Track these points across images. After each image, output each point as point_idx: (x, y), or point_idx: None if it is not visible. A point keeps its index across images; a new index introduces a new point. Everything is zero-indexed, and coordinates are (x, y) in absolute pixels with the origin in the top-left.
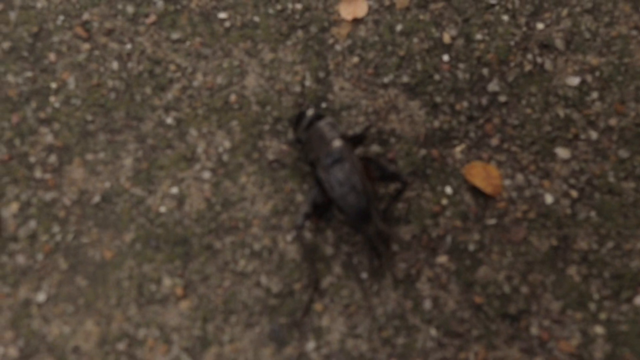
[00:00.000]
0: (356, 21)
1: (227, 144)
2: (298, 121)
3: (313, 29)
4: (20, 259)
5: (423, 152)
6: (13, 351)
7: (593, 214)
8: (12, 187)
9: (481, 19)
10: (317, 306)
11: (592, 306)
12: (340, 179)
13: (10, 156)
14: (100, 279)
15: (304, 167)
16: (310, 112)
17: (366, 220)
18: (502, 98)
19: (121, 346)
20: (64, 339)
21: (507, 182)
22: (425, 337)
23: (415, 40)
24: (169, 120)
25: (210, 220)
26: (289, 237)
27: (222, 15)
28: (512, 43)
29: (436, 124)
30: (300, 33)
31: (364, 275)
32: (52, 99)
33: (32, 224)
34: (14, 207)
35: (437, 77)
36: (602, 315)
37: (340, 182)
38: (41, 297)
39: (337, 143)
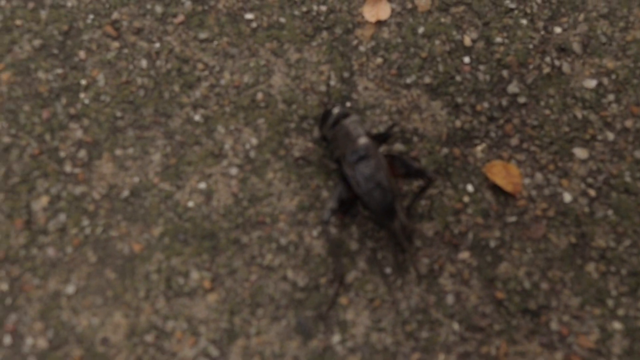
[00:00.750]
0: (379, 23)
1: (254, 141)
2: (324, 119)
3: (338, 30)
4: (50, 252)
5: (445, 150)
6: (42, 342)
7: (610, 212)
8: (42, 180)
9: (501, 22)
10: (343, 300)
11: (610, 302)
12: (366, 175)
13: (41, 151)
14: (129, 272)
15: (329, 164)
16: (336, 110)
17: (391, 216)
18: (522, 99)
19: (149, 338)
20: (93, 331)
21: (527, 180)
22: (448, 331)
23: (437, 42)
24: (197, 118)
25: (237, 215)
26: (315, 233)
27: (249, 15)
28: (530, 46)
29: (458, 123)
30: (325, 34)
31: (388, 270)
32: (82, 95)
33: (62, 217)
34: (44, 200)
35: (458, 78)
36: (620, 312)
37: (366, 179)
38: (70, 289)
39: (363, 140)
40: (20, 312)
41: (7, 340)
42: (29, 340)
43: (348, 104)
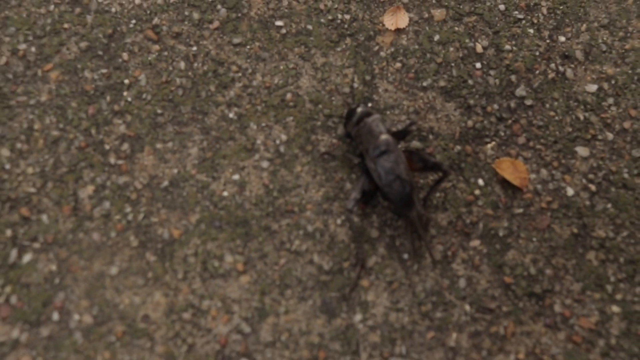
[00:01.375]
0: (398, 31)
1: (283, 137)
2: (349, 117)
3: (360, 37)
4: (95, 236)
5: (458, 148)
6: (88, 318)
7: (609, 205)
8: (88, 171)
9: (509, 31)
10: (364, 282)
11: (609, 288)
12: (386, 168)
13: (87, 144)
14: (168, 255)
15: (352, 158)
16: (360, 109)
17: (409, 206)
18: (528, 102)
19: (187, 315)
20: (134, 308)
21: (533, 176)
22: (460, 312)
23: (451, 49)
24: (231, 115)
25: (268, 204)
26: (339, 221)
27: (279, 23)
28: (537, 53)
29: (470, 123)
30: (348, 40)
31: (406, 255)
32: (125, 93)
33: (106, 204)
34: (90, 189)
35: (470, 82)
36: (618, 296)
37: (387, 172)
38: (114, 270)
39: (384, 137)
40: (67, 290)
41: (55, 316)
42: (75, 317)
43: (369, 105)
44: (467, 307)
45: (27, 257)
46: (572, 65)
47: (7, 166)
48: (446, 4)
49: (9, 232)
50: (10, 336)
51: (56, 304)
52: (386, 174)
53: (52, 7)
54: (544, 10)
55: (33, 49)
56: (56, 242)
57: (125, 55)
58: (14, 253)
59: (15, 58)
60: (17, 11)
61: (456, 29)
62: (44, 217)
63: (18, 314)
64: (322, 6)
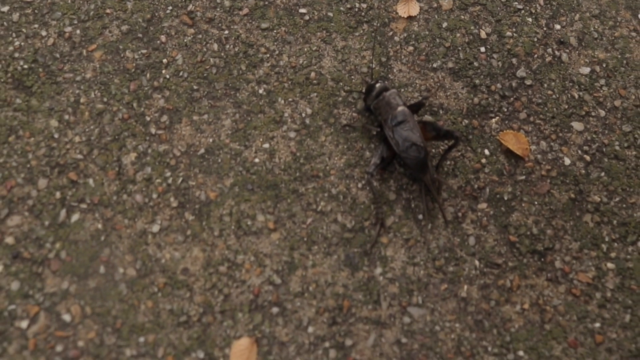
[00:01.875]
0: (410, 18)
1: (308, 111)
2: (368, 92)
3: (376, 24)
4: (138, 197)
5: (465, 122)
6: (131, 271)
7: (603, 174)
8: (131, 139)
9: (510, 20)
10: (383, 239)
11: (604, 247)
12: (403, 136)
13: (129, 115)
14: (205, 215)
15: (372, 128)
16: (379, 85)
17: (424, 169)
18: (528, 82)
19: (223, 269)
20: (175, 263)
21: (534, 147)
22: (470, 266)
23: (458, 35)
24: (261, 91)
25: (295, 170)
26: (360, 185)
27: (303, 10)
28: (535, 39)
29: (476, 100)
30: (365, 26)
31: (420, 216)
32: (163, 71)
33: (148, 169)
34: (133, 156)
35: (476, 64)
36: (613, 254)
37: (404, 139)
38: (155, 228)
39: (401, 108)
40: (112, 247)
41: (102, 269)
42: (120, 270)
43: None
44: (477, 262)
45: (74, 217)
46: (567, 50)
47: (56, 135)
48: None
49: (58, 194)
50: (61, 287)
51: (102, 258)
52: (403, 141)
53: None
54: (541, 1)
55: (78, 31)
56: (102, 203)
57: (163, 38)
58: (62, 213)
59: (62, 39)
60: None
61: (462, 17)
62: (90, 181)
63: (67, 267)
64: None
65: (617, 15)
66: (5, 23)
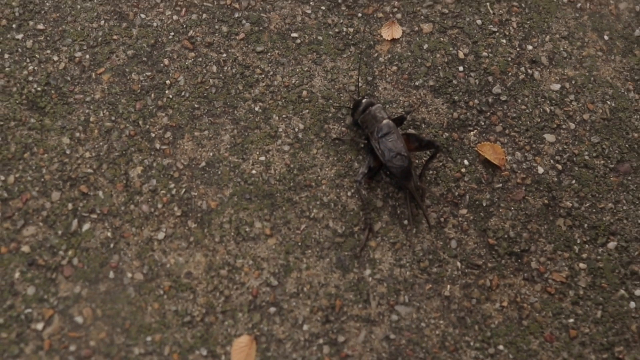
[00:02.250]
0: (394, 41)
1: (301, 126)
2: (356, 107)
3: (362, 46)
4: (144, 207)
5: (446, 134)
6: (139, 275)
7: (574, 181)
8: (137, 154)
9: (486, 41)
10: (372, 243)
11: (576, 248)
12: (389, 147)
13: (136, 132)
14: (207, 223)
15: (359, 141)
16: (365, 100)
17: (408, 178)
18: (503, 98)
19: (223, 272)
20: (179, 267)
21: (509, 157)
22: (453, 267)
23: (437, 55)
24: (257, 108)
25: (289, 180)
26: (349, 193)
27: (294, 34)
28: (509, 59)
29: (455, 115)
30: (352, 48)
31: (406, 221)
32: (166, 91)
33: (153, 182)
34: (139, 169)
35: (455, 82)
36: (584, 255)
37: (389, 149)
38: (160, 235)
39: (386, 121)
40: (120, 253)
41: (111, 274)
42: (128, 274)
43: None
44: (459, 264)
45: (86, 226)
46: (539, 69)
47: (68, 151)
48: (433, 19)
49: (70, 206)
50: (73, 291)
51: (111, 264)
52: (389, 151)
53: (102, 22)
54: (514, 25)
55: (87, 56)
56: (111, 213)
57: (166, 61)
58: (74, 223)
59: (72, 64)
60: (73, 25)
61: (442, 39)
62: (100, 193)
63: (79, 273)
64: (330, 21)
65: (585, 36)
66: (19, 49)
